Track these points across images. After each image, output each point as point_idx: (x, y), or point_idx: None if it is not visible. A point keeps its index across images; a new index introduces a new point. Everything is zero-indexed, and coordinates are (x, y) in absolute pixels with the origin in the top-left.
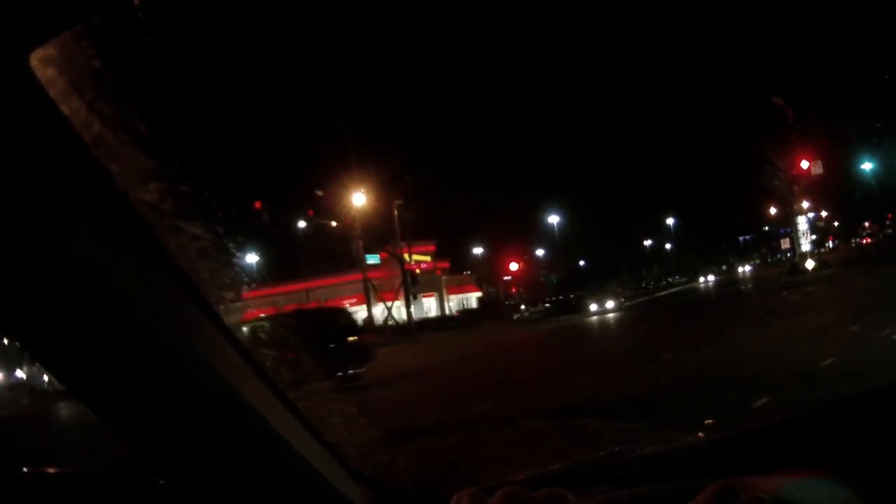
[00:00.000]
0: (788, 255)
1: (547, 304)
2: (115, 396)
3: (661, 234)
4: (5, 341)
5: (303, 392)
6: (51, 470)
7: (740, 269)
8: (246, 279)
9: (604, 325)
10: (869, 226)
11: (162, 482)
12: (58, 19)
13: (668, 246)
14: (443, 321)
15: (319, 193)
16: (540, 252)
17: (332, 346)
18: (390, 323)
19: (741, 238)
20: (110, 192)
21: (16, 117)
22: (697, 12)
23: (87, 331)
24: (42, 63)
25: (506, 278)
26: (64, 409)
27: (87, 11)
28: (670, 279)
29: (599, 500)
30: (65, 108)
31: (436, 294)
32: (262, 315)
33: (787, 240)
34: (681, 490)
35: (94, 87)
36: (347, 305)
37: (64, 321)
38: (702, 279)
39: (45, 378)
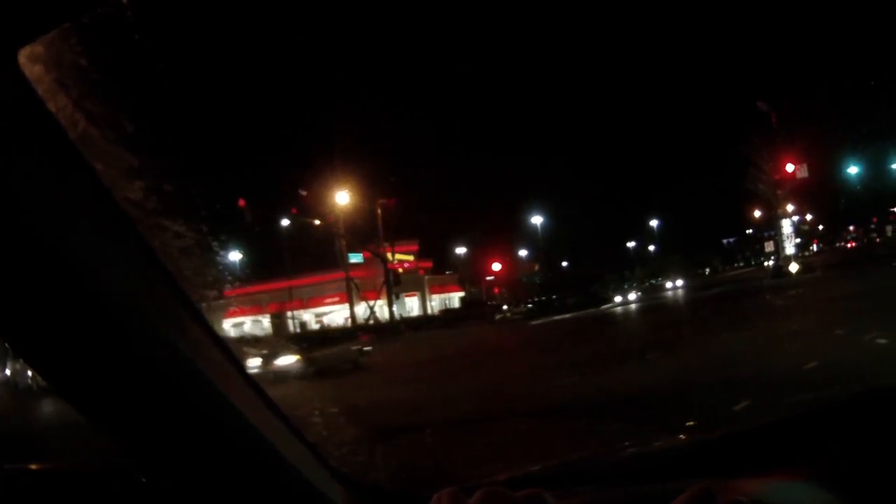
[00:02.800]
0: (772, 258)
1: (529, 305)
2: (97, 394)
3: (644, 236)
4: None
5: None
6: (32, 466)
7: (669, 285)
8: (229, 277)
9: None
10: (854, 230)
11: (144, 479)
12: (46, 17)
13: (651, 248)
14: (425, 321)
15: (303, 193)
16: (523, 253)
17: None
18: (371, 322)
19: (725, 241)
20: (95, 189)
21: (3, 114)
22: (683, 15)
23: (70, 327)
24: (30, 60)
25: (488, 279)
26: (47, 406)
27: (76, 10)
28: (653, 281)
29: (581, 500)
30: (51, 106)
31: (418, 294)
32: None
33: (771, 243)
34: (661, 492)
35: (80, 85)
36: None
37: (46, 317)
38: (619, 298)
39: (29, 374)
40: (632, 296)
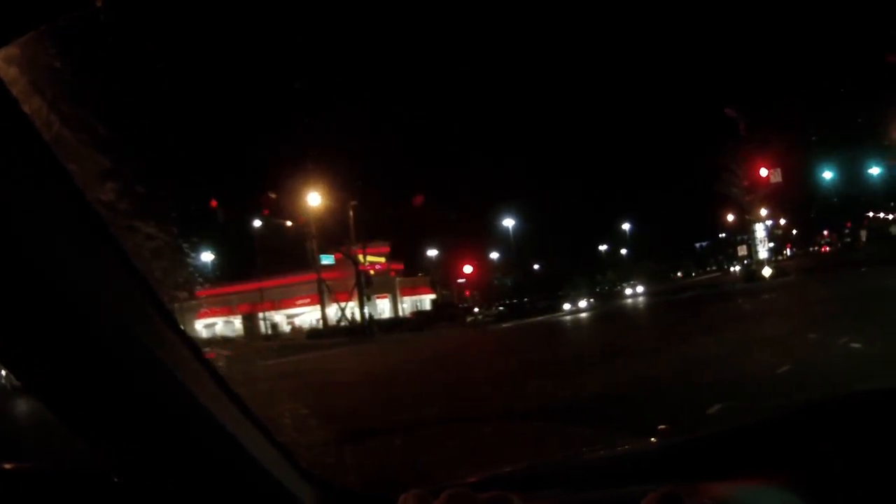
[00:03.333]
0: (745, 262)
1: (500, 308)
2: (69, 393)
3: (617, 239)
4: None
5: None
6: (7, 466)
7: (628, 292)
8: (199, 279)
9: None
10: (828, 234)
11: (117, 479)
12: (22, 20)
13: (623, 251)
14: (395, 323)
15: (272, 195)
16: (494, 255)
17: None
18: (343, 324)
19: (697, 245)
20: (69, 190)
21: None
22: (656, 19)
23: (42, 327)
24: (6, 62)
25: (459, 281)
26: (21, 406)
27: (52, 13)
28: (623, 284)
29: (549, 503)
30: (27, 107)
31: (389, 295)
32: None
33: (745, 247)
34: (630, 495)
35: (55, 87)
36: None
37: (18, 317)
38: (567, 305)
39: (3, 374)
40: (582, 303)
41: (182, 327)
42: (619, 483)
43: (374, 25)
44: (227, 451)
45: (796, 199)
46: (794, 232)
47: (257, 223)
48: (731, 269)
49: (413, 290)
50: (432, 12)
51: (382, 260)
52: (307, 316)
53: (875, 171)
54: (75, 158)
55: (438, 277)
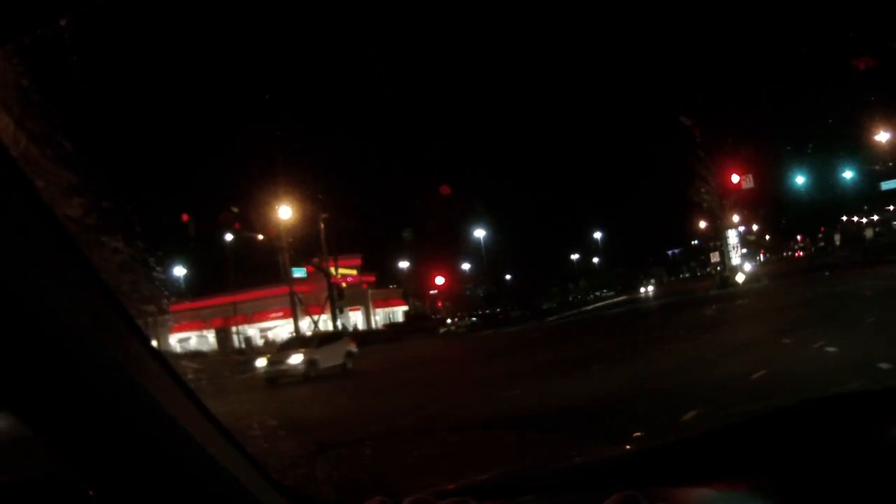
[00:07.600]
0: (718, 268)
1: (473, 318)
2: (39, 406)
3: (588, 248)
4: None
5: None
6: None
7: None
8: (166, 293)
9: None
10: (801, 239)
11: (92, 493)
12: None
13: (595, 260)
14: (368, 335)
15: (234, 210)
16: (466, 266)
17: None
18: None
19: (670, 252)
20: (35, 205)
21: None
22: (624, 27)
23: (12, 341)
24: None
25: (432, 292)
26: None
27: (17, 31)
28: (597, 293)
29: None
30: None
31: (362, 308)
32: None
33: (717, 253)
34: (594, 500)
35: (22, 105)
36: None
37: None
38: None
39: None
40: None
41: (154, 341)
42: (591, 489)
43: (342, 37)
44: (197, 463)
45: (769, 205)
46: (768, 238)
47: (229, 237)
48: (664, 279)
49: (385, 302)
50: (394, 25)
51: (354, 272)
52: (280, 329)
53: (848, 175)
54: (43, 174)
55: (411, 289)
